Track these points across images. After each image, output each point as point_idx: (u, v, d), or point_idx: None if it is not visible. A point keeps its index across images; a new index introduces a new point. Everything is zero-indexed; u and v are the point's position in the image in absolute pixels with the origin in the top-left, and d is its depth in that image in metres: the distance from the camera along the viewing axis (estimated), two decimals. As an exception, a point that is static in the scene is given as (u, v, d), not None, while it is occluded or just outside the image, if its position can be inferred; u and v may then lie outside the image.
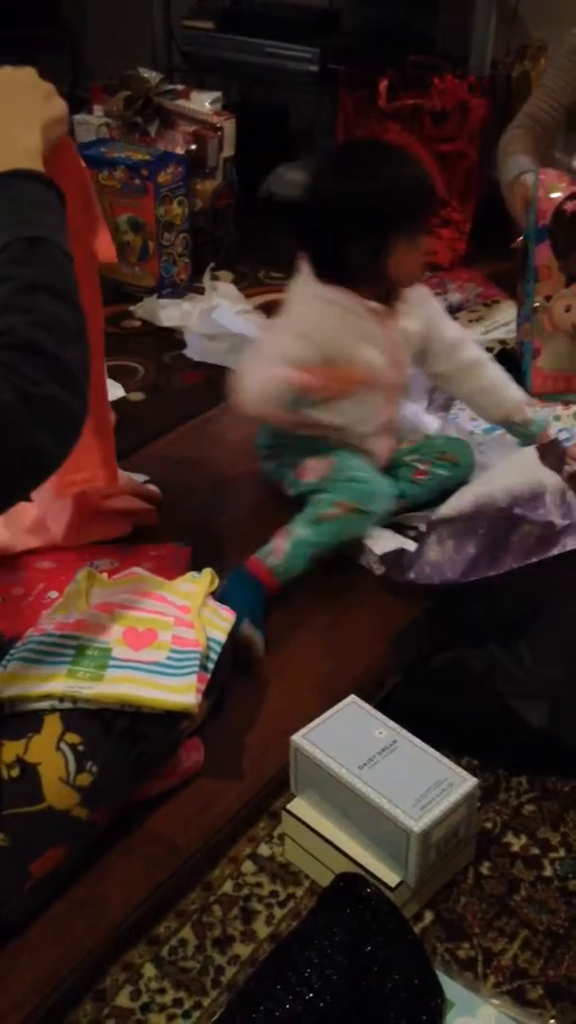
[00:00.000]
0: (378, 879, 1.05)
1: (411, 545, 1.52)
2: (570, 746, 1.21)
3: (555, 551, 1.40)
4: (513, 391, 1.63)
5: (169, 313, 2.29)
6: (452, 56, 2.61)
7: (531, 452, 1.49)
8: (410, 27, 2.75)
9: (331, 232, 1.47)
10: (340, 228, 1.46)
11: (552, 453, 1.49)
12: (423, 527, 1.53)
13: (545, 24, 2.21)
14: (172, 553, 1.55)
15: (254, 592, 1.42)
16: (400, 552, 1.48)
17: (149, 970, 1.03)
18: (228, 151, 2.47)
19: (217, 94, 2.50)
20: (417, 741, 1.11)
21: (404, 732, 1.12)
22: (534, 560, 1.37)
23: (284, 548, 1.46)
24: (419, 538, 1.51)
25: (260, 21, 2.77)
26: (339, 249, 1.46)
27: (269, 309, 2.31)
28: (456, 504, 1.46)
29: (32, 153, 1.03)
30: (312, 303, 1.50)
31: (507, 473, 1.49)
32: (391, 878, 1.05)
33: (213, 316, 2.20)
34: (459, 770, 1.08)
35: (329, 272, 1.49)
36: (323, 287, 1.49)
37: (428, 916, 1.08)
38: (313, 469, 1.57)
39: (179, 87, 2.50)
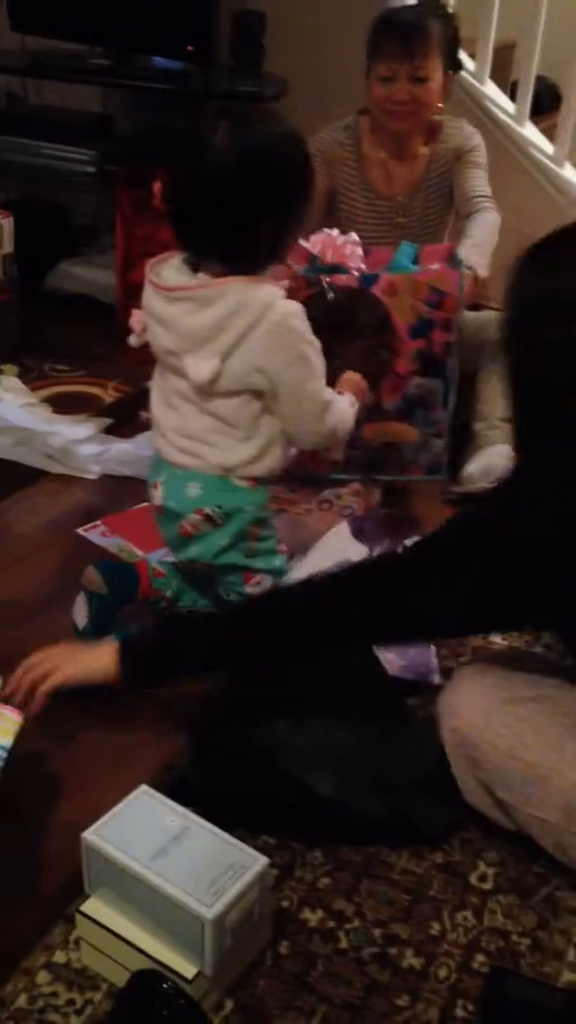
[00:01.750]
0: (175, 972, 1.04)
1: None
2: (356, 813, 1.25)
3: None
4: None
5: (-49, 409, 2.24)
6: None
7: (344, 528, 1.56)
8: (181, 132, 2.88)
9: None
10: None
11: (368, 525, 1.58)
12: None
13: (304, 135, 2.36)
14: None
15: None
16: None
17: None
18: (7, 248, 2.48)
19: (-7, 192, 2.52)
20: (208, 825, 1.12)
21: (195, 818, 1.12)
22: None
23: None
24: None
25: (36, 124, 2.83)
26: None
27: (56, 401, 2.33)
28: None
29: None
30: None
31: (326, 552, 1.54)
32: (188, 970, 1.05)
33: (-3, 411, 2.18)
34: (250, 851, 1.10)
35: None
36: None
37: (229, 1004, 1.08)
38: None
39: (-47, 186, 2.51)
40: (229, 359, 1.47)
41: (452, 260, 1.90)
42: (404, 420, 1.91)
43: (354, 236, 1.99)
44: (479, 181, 2.28)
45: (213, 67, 2.74)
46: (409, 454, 1.92)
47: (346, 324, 1.80)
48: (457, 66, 2.30)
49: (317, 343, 1.52)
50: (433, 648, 1.54)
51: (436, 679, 1.50)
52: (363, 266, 1.89)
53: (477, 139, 2.30)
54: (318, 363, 1.52)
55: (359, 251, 1.93)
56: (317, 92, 2.73)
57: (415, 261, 1.92)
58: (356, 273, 1.85)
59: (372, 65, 2.18)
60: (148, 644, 1.36)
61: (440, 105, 2.24)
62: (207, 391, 1.49)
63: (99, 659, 1.34)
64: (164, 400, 1.57)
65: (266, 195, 1.43)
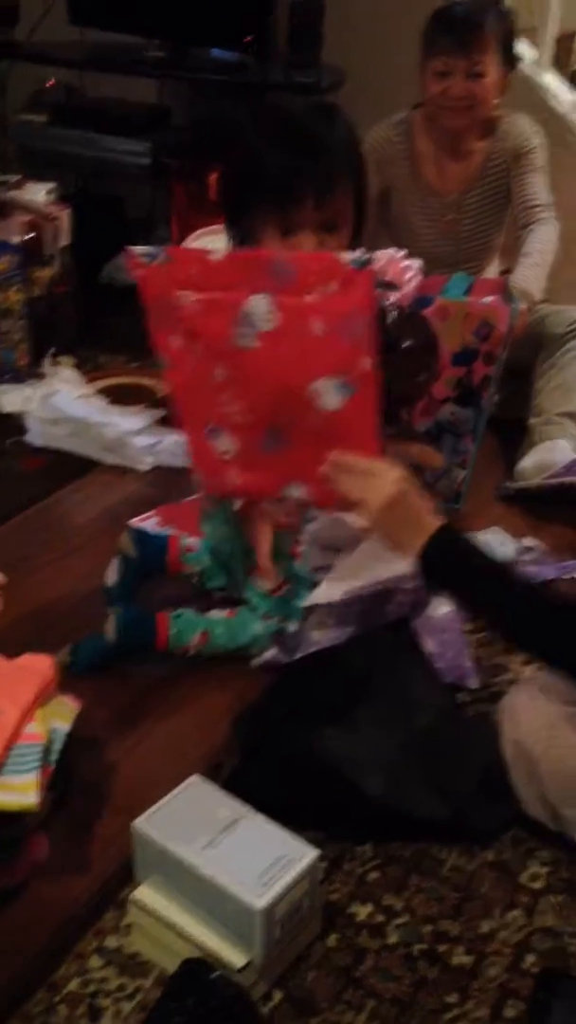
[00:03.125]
0: (224, 961, 1.05)
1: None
2: (405, 813, 1.24)
3: (428, 610, 1.51)
4: None
5: (10, 399, 2.28)
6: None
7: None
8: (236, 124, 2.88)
9: None
10: None
11: None
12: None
13: (361, 126, 2.35)
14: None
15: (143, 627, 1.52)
16: (284, 634, 1.51)
17: None
18: (65, 240, 2.50)
19: (52, 185, 2.54)
20: (260, 817, 1.12)
21: (247, 809, 1.13)
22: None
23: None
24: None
25: (93, 116, 2.85)
26: None
27: (111, 393, 2.34)
28: (327, 593, 1.50)
29: None
30: None
31: (366, 560, 1.52)
32: (238, 959, 1.05)
33: (54, 401, 2.21)
34: (301, 843, 1.10)
35: None
36: None
37: (277, 995, 1.08)
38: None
39: (13, 178, 2.53)
40: None
41: (506, 295, 1.89)
42: (432, 444, 1.92)
43: (419, 262, 1.98)
44: (539, 188, 2.24)
45: (270, 58, 2.74)
46: (429, 479, 1.93)
47: (393, 342, 1.79)
48: (513, 62, 2.26)
49: None
50: (466, 651, 1.52)
51: (473, 683, 1.49)
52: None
53: (537, 139, 2.26)
54: None
55: (419, 278, 1.92)
56: (375, 83, 2.71)
57: (467, 292, 1.92)
58: (410, 292, 1.84)
59: (428, 60, 2.16)
60: (460, 552, 1.22)
61: (496, 101, 2.21)
62: None
63: (412, 536, 1.19)
64: None
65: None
